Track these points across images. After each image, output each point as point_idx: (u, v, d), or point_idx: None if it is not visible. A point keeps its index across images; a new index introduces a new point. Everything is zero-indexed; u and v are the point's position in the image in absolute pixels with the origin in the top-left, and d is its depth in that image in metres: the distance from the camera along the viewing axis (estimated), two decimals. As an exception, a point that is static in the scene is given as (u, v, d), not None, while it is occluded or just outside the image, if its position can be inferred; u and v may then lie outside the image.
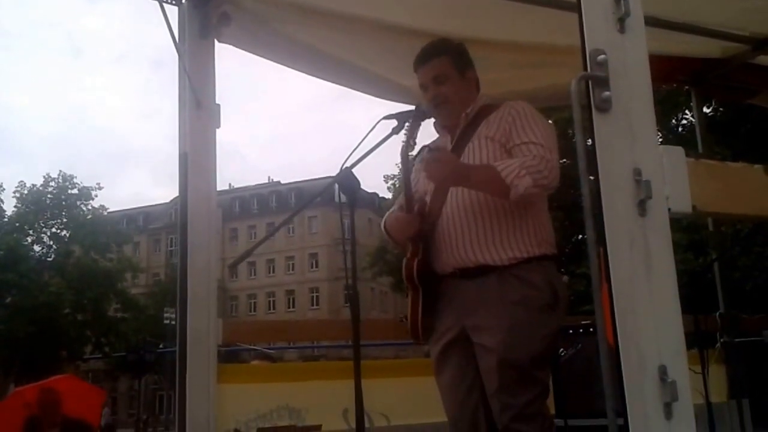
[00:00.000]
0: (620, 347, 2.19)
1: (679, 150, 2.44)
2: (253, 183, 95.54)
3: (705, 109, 24.26)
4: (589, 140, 2.36)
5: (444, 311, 4.01)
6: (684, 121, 29.08)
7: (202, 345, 4.72)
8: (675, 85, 15.26)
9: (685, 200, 2.37)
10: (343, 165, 3.76)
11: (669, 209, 2.33)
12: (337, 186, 3.75)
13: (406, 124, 3.90)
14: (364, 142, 3.73)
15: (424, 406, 4.43)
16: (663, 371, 2.19)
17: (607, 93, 2.32)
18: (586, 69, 2.34)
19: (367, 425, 5.49)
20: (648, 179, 2.28)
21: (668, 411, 2.19)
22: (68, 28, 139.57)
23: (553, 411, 5.15)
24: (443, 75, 4.18)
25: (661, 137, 26.60)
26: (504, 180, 3.67)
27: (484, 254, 3.87)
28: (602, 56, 2.34)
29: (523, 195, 3.69)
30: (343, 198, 3.71)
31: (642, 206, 2.28)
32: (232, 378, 5.34)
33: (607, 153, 2.30)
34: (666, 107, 24.43)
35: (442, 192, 4.08)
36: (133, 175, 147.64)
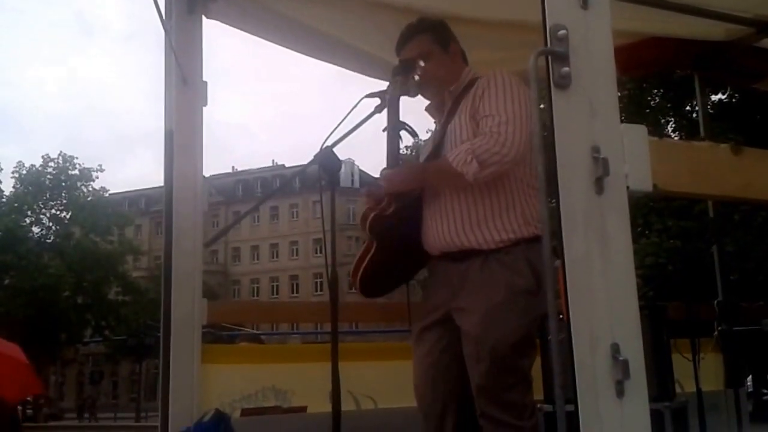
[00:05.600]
0: (572, 325, 2.18)
1: (641, 128, 2.42)
2: (256, 166, 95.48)
3: (720, 95, 24.15)
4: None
5: (435, 291, 4.05)
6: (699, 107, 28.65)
7: (187, 325, 4.71)
8: (678, 70, 15.25)
9: (645, 178, 2.35)
10: (323, 144, 3.75)
11: (628, 187, 2.31)
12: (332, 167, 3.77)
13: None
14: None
15: (411, 389, 4.42)
16: (615, 349, 2.19)
17: (566, 69, 2.30)
18: (546, 44, 2.32)
19: (354, 408, 5.51)
20: (606, 157, 2.27)
21: (620, 389, 2.19)
22: (79, 5, 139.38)
23: (541, 396, 5.16)
24: (426, 53, 4.16)
25: (674, 123, 26.48)
26: (455, 169, 3.69)
27: (469, 238, 3.86)
28: (562, 31, 2.31)
29: (477, 179, 3.69)
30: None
31: (599, 184, 2.27)
32: (217, 358, 5.31)
33: (565, 130, 2.28)
34: (680, 93, 24.25)
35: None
36: (141, 157, 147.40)
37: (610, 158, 2.28)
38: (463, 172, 3.66)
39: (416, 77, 4.14)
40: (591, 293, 2.24)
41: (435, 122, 4.37)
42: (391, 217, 4.03)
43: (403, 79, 4.08)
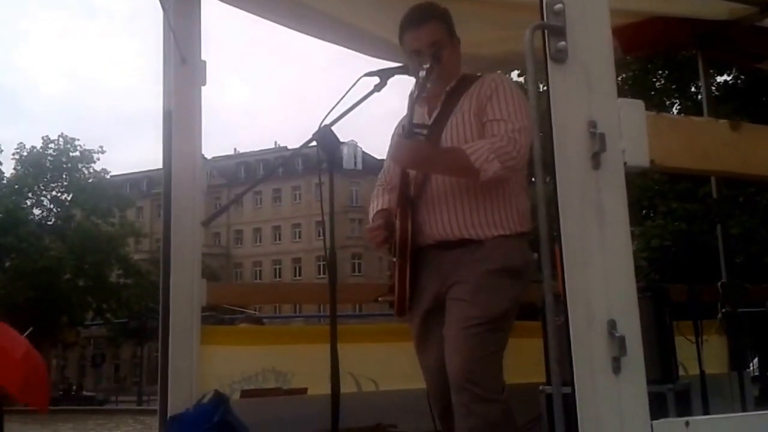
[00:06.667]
0: (568, 301, 2.17)
1: (639, 103, 2.40)
2: (258, 148, 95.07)
3: (725, 77, 23.98)
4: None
5: (423, 282, 4.03)
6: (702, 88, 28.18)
7: (186, 306, 4.71)
8: (682, 50, 15.17)
9: (642, 154, 2.33)
10: (321, 123, 3.73)
11: (625, 163, 2.29)
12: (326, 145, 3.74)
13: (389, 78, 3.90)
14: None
15: (413, 371, 4.40)
16: (612, 326, 2.18)
17: (562, 43, 2.28)
18: (542, 18, 2.29)
19: (355, 390, 5.50)
20: (603, 132, 2.25)
21: (616, 366, 2.18)
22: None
23: (543, 378, 5.15)
24: (439, 41, 4.08)
25: (679, 105, 26.34)
26: (473, 164, 3.70)
27: (469, 230, 3.90)
28: (559, 5, 2.29)
29: (492, 178, 3.73)
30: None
31: (596, 159, 2.25)
32: (217, 340, 5.31)
33: (562, 104, 2.26)
34: (685, 74, 24.06)
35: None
36: (143, 139, 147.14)
37: (607, 133, 2.26)
38: (481, 169, 3.70)
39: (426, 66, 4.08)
40: (587, 269, 2.23)
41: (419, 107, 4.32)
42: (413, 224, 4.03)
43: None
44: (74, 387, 62.93)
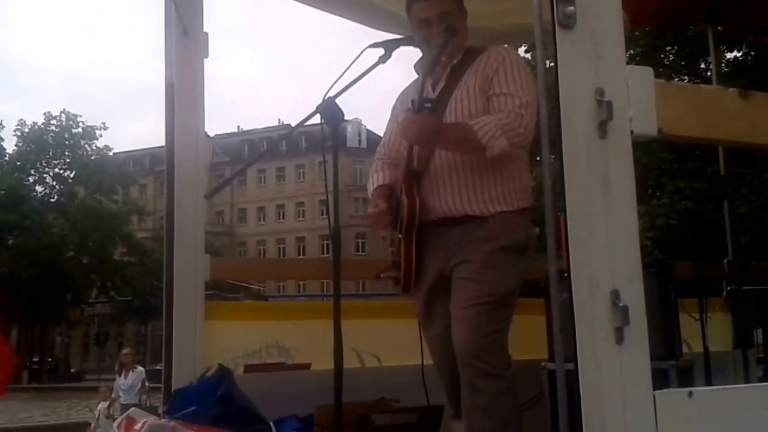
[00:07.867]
0: (572, 270, 2.16)
1: (647, 70, 2.37)
2: (262, 125, 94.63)
3: (735, 53, 23.85)
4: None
5: (428, 259, 4.02)
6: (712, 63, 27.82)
7: (190, 281, 4.69)
8: (691, 23, 15.05)
9: (650, 122, 2.30)
10: (326, 95, 3.69)
11: (632, 131, 2.27)
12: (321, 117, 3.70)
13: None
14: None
15: (416, 347, 4.39)
16: (616, 295, 2.17)
17: (571, 8, 2.25)
18: (550, -18, 2.27)
19: (358, 365, 5.49)
20: (610, 100, 2.22)
21: (619, 335, 2.17)
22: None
23: (545, 355, 5.14)
24: (450, 13, 4.05)
25: (689, 81, 26.18)
26: (480, 140, 3.69)
27: (472, 206, 3.89)
28: (567, -31, 2.26)
29: (498, 154, 3.73)
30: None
31: (603, 128, 2.23)
32: (220, 315, 5.30)
33: (569, 71, 2.24)
34: (694, 50, 23.93)
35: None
36: (146, 115, 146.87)
37: (615, 101, 2.24)
38: (488, 146, 3.69)
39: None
40: (591, 238, 2.22)
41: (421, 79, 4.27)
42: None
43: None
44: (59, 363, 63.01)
